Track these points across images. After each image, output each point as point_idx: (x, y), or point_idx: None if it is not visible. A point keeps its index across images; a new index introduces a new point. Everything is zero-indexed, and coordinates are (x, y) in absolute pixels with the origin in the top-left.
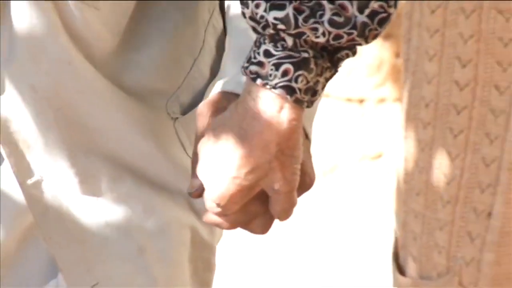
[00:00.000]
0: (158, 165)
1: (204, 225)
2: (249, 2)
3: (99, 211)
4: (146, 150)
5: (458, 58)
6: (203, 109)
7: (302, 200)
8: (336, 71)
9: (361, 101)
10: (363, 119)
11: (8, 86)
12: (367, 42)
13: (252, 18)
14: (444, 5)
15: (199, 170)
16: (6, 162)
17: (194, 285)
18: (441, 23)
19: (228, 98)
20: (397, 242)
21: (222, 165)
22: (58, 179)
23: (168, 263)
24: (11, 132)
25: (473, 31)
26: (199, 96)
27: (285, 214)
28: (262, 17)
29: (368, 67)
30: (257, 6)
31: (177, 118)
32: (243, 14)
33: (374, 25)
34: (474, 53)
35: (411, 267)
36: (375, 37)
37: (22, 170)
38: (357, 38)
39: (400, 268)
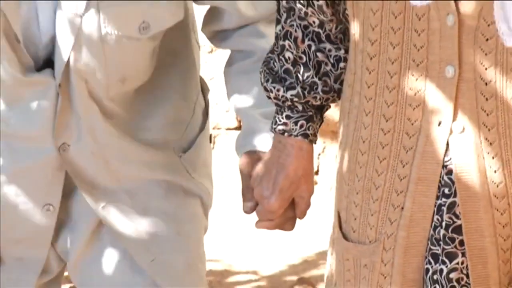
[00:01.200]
0: (173, 184)
1: (205, 216)
2: (273, 89)
3: (148, 215)
4: (163, 176)
5: (383, 115)
6: (245, 160)
7: None
8: (323, 119)
9: None
10: None
11: (95, 152)
12: (340, 99)
13: (275, 98)
14: (376, 83)
15: (256, 194)
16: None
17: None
18: (374, 93)
19: (255, 153)
20: (340, 218)
21: (271, 188)
22: (117, 203)
23: (194, 238)
24: (82, 174)
25: (393, 100)
26: (193, 142)
27: (305, 214)
28: (282, 96)
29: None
30: (278, 90)
31: (181, 155)
32: (268, 97)
33: None
34: (394, 113)
35: (352, 236)
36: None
37: (94, 200)
38: (336, 98)
39: (344, 236)
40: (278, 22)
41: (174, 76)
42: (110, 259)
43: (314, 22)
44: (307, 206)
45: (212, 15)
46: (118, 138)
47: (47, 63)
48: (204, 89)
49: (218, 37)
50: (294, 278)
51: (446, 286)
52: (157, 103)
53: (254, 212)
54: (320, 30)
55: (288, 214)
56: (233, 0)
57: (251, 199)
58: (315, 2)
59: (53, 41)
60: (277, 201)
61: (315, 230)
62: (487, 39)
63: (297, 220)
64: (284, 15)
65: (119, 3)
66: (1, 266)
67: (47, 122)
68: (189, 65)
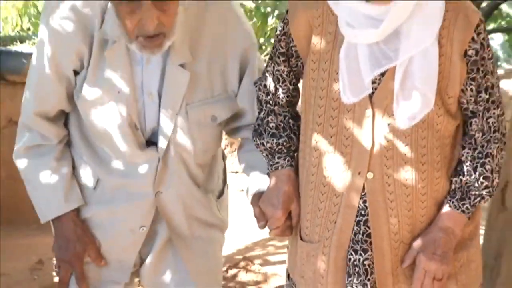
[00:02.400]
0: (209, 217)
1: (222, 234)
2: (266, 143)
3: (194, 238)
4: (205, 212)
5: (325, 167)
6: (254, 197)
7: None
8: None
9: None
10: None
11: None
12: None
13: (270, 148)
14: (319, 150)
15: (267, 211)
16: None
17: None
18: (318, 154)
19: (260, 192)
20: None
21: (276, 203)
22: (179, 228)
23: (217, 254)
24: (166, 210)
25: (331, 159)
26: (222, 192)
27: (297, 221)
28: (272, 146)
29: None
30: (270, 143)
31: (216, 200)
32: (264, 148)
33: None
34: (331, 167)
35: (305, 237)
36: None
37: (169, 225)
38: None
39: (300, 237)
40: (260, 111)
41: (220, 142)
42: (170, 265)
43: (286, 112)
44: (298, 216)
45: (237, 115)
46: (192, 187)
47: (151, 140)
48: (224, 157)
49: (234, 131)
50: (240, 257)
51: (361, 269)
52: (212, 168)
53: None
54: (291, 113)
55: (287, 223)
56: (253, 105)
57: (263, 220)
58: (280, 98)
59: (154, 128)
60: (281, 210)
61: (254, 225)
62: (389, 124)
63: (247, 221)
64: (262, 106)
65: (199, 107)
66: (107, 266)
67: (151, 178)
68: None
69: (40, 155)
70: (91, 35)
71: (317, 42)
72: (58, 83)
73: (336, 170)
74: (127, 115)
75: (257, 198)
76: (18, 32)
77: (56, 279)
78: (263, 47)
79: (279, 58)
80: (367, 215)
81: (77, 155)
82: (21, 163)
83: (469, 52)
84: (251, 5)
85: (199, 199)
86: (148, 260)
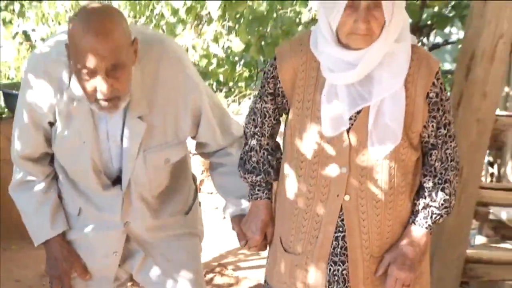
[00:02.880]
0: (179, 231)
1: (200, 244)
2: (248, 177)
3: (171, 251)
4: (180, 230)
5: (308, 190)
6: (236, 219)
7: None
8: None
9: None
10: None
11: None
12: None
13: (251, 181)
14: (303, 175)
15: (247, 233)
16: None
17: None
18: (302, 180)
19: (241, 215)
20: (281, 239)
21: (255, 228)
22: (155, 245)
23: (196, 258)
24: (135, 234)
25: (313, 184)
26: (190, 209)
27: (271, 241)
28: (254, 180)
29: None
30: (251, 177)
31: (185, 216)
32: (246, 182)
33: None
34: (314, 190)
35: (288, 249)
36: None
37: (142, 245)
38: None
39: (284, 249)
40: (245, 144)
41: (180, 178)
42: (152, 269)
43: (268, 143)
44: (272, 236)
45: (200, 145)
46: (154, 217)
47: (116, 179)
48: (194, 179)
49: (203, 155)
50: (215, 263)
51: (340, 277)
52: (174, 194)
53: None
54: (271, 146)
55: (263, 242)
56: (213, 138)
57: (243, 239)
58: (265, 143)
59: (120, 170)
60: (259, 235)
61: (227, 237)
62: (363, 154)
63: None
64: (248, 139)
65: (155, 152)
66: (91, 280)
67: (118, 212)
68: (187, 171)
69: (29, 189)
70: (61, 92)
71: (302, 85)
72: (36, 131)
73: (318, 193)
74: (91, 161)
75: (238, 220)
76: None
77: None
78: (232, 90)
79: (267, 97)
80: (344, 232)
81: (63, 187)
82: (15, 196)
83: (430, 95)
84: (222, 54)
85: (159, 223)
86: (135, 273)
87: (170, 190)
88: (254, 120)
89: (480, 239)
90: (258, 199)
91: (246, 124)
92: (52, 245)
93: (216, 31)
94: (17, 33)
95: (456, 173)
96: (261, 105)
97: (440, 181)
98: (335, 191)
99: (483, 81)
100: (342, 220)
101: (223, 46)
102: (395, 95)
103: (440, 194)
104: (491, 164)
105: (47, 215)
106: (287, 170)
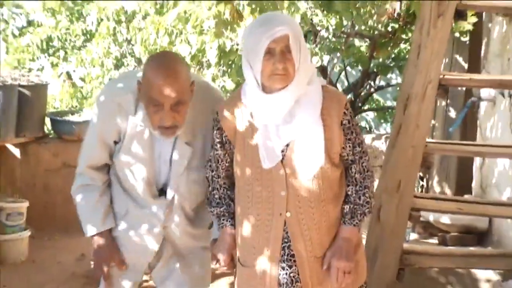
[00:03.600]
0: (201, 243)
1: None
2: (214, 210)
3: (192, 259)
4: (198, 239)
5: (257, 216)
6: (212, 243)
7: None
8: None
9: None
10: None
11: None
12: None
13: (217, 214)
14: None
15: (217, 255)
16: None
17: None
18: (252, 206)
19: (213, 240)
20: (239, 257)
21: (223, 251)
22: (181, 250)
23: (207, 270)
24: (170, 238)
25: (260, 208)
26: (212, 225)
27: (235, 261)
28: (219, 212)
29: None
30: (217, 210)
31: (207, 230)
32: (212, 214)
33: None
34: (261, 213)
35: (245, 263)
36: None
37: (172, 248)
38: None
39: (241, 264)
40: (209, 186)
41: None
42: (172, 273)
43: (224, 182)
44: (236, 256)
45: None
46: (189, 224)
47: (161, 190)
48: None
49: None
50: None
51: (288, 280)
52: (205, 210)
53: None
54: (228, 184)
55: (232, 262)
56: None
57: (215, 259)
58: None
59: (165, 183)
60: (227, 256)
61: None
62: (296, 178)
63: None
64: (209, 182)
65: (196, 170)
66: (126, 270)
67: (160, 217)
68: None
69: (88, 191)
70: (127, 119)
71: (241, 130)
72: (102, 147)
73: (264, 214)
74: (146, 175)
75: (212, 244)
76: (70, 108)
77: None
78: None
79: (217, 145)
80: (290, 242)
81: (114, 190)
82: (76, 196)
83: (344, 122)
84: None
85: (192, 231)
86: (156, 269)
87: (203, 205)
88: (210, 166)
89: (413, 236)
90: (224, 227)
91: (206, 170)
92: (100, 238)
93: (213, 73)
94: (61, 73)
95: (372, 180)
96: (214, 152)
97: (360, 188)
98: (278, 211)
99: (416, 116)
100: (287, 232)
101: (219, 85)
102: (314, 126)
103: (362, 197)
104: (421, 178)
105: (100, 214)
106: (238, 199)
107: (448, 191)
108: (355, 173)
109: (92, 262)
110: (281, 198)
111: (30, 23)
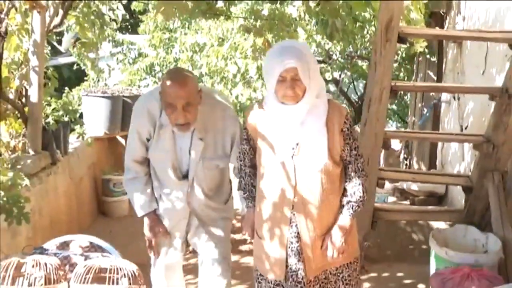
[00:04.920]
0: (219, 214)
1: (229, 222)
2: (242, 192)
3: (215, 226)
4: (220, 214)
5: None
6: (240, 219)
7: None
8: None
9: None
10: None
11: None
12: None
13: (244, 195)
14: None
15: (244, 228)
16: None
17: None
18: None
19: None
20: (257, 231)
21: (248, 228)
22: (205, 219)
23: (227, 236)
24: (195, 211)
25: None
26: (227, 200)
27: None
28: (243, 196)
29: None
30: (241, 193)
31: (224, 204)
32: (241, 196)
33: None
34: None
35: (261, 236)
36: None
37: (198, 217)
38: None
39: (259, 236)
40: (239, 172)
41: (224, 178)
42: (201, 236)
43: (250, 171)
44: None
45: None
46: (207, 199)
47: (185, 175)
48: (230, 181)
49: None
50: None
51: (295, 250)
52: (219, 189)
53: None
54: (252, 173)
55: (253, 234)
56: (233, 158)
57: (242, 231)
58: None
59: (186, 170)
60: (251, 230)
61: None
62: (303, 171)
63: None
64: (239, 170)
65: (209, 160)
66: (170, 238)
67: (184, 195)
68: (228, 175)
69: (135, 182)
70: (154, 121)
71: (261, 130)
72: (140, 144)
73: (276, 199)
74: (171, 163)
75: (242, 219)
76: None
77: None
78: None
79: (244, 141)
80: (296, 221)
81: (153, 181)
82: (127, 187)
83: (344, 129)
84: None
85: (211, 205)
86: (189, 236)
87: (217, 186)
88: (239, 157)
89: (392, 199)
90: (248, 208)
91: (237, 160)
92: (148, 217)
93: (254, 86)
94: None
95: (365, 178)
96: (241, 147)
97: (355, 184)
98: (288, 196)
99: (376, 112)
100: (294, 214)
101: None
102: (320, 131)
103: (357, 193)
104: (405, 158)
105: (146, 199)
106: (258, 184)
107: (424, 168)
108: (351, 171)
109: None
110: (291, 186)
111: (140, 54)
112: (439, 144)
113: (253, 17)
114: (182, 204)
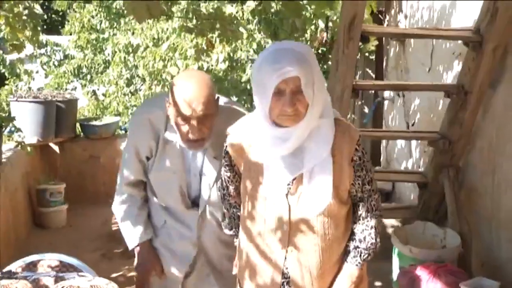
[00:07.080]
0: (232, 252)
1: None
2: (225, 232)
3: (222, 264)
4: (229, 248)
5: (256, 246)
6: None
7: None
8: None
9: None
10: None
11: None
12: None
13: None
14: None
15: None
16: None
17: None
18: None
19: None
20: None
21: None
22: (211, 258)
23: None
24: (203, 246)
25: (260, 245)
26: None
27: None
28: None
29: None
30: (226, 232)
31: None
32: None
33: None
34: (260, 243)
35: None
36: None
37: (204, 253)
38: None
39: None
40: (221, 197)
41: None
42: (205, 279)
43: (235, 201)
44: None
45: None
46: (220, 234)
47: (193, 202)
48: None
49: None
50: None
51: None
52: None
53: None
54: (238, 203)
55: None
56: None
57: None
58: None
59: (196, 195)
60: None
61: None
62: (300, 213)
63: None
64: (221, 199)
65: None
66: (165, 279)
67: (194, 228)
68: None
69: (128, 207)
70: (158, 136)
71: (247, 158)
72: (137, 163)
73: (265, 247)
74: (179, 187)
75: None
76: (94, 115)
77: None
78: None
79: (225, 168)
80: (289, 278)
81: (151, 206)
82: (117, 211)
83: (354, 158)
84: None
85: (225, 240)
86: (189, 278)
87: None
88: (221, 185)
89: None
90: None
91: (218, 189)
92: (142, 248)
93: None
94: (88, 91)
95: (379, 219)
96: (224, 174)
97: (367, 227)
98: (280, 245)
99: (338, 111)
100: (287, 268)
101: None
102: (324, 162)
103: (368, 238)
104: None
105: (141, 226)
106: (242, 225)
107: None
108: (362, 211)
109: (134, 273)
110: (283, 233)
111: (66, 56)
112: (383, 141)
113: (195, 17)
114: (190, 239)
